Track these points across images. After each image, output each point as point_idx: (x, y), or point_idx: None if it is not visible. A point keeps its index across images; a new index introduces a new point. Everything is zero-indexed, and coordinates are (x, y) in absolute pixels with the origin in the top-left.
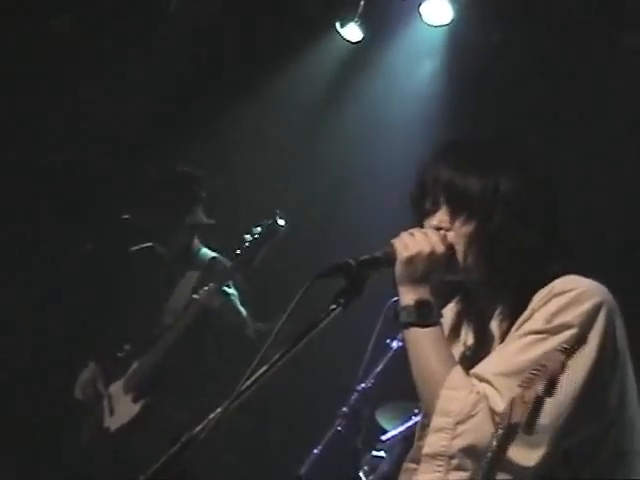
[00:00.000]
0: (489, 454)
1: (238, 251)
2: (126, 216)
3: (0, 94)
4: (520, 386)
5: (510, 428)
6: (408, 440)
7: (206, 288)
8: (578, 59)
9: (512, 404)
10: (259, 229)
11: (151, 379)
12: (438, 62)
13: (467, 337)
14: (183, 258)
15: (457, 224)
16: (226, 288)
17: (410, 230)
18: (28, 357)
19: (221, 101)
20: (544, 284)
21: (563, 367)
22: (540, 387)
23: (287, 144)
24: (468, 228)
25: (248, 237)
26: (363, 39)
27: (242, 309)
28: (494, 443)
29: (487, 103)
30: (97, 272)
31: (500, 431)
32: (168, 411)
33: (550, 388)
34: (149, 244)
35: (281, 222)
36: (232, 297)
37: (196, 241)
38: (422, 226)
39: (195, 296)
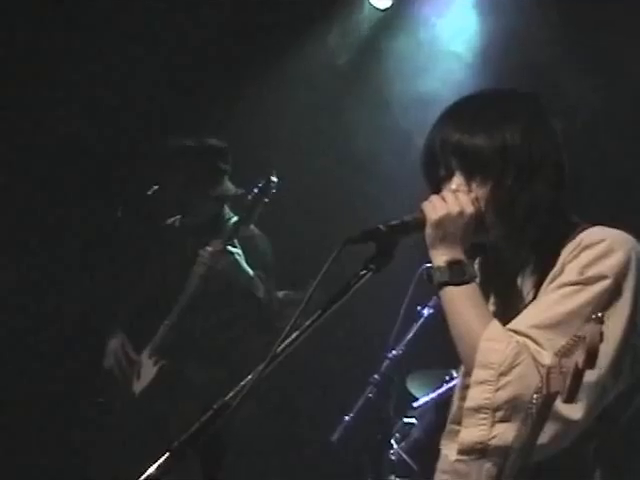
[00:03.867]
0: (529, 420)
1: (232, 214)
2: (152, 190)
3: (25, 60)
4: (556, 354)
5: (549, 397)
6: (439, 407)
7: (209, 248)
8: (614, 14)
9: (549, 373)
10: (256, 188)
11: (168, 343)
12: (470, 27)
13: (492, 298)
14: (213, 228)
15: (474, 186)
16: (231, 247)
17: (441, 193)
18: (54, 327)
19: (247, 69)
20: (570, 236)
21: (601, 337)
22: (580, 358)
23: (314, 111)
24: (485, 190)
25: (248, 196)
26: (392, 6)
27: (249, 269)
28: (533, 410)
29: (521, 65)
30: (126, 242)
31: (539, 400)
32: (187, 375)
33: (591, 360)
34: (178, 217)
35: (274, 179)
36: (237, 256)
37: (226, 210)
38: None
39: (199, 257)
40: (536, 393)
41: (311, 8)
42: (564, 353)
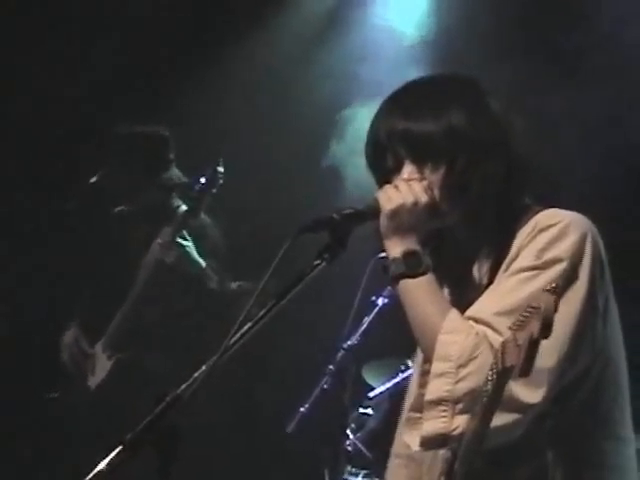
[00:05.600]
0: (484, 398)
1: (181, 202)
2: (94, 179)
3: None
4: (511, 328)
5: (504, 372)
6: (395, 397)
7: (159, 240)
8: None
9: (504, 347)
10: (202, 178)
11: (122, 336)
12: (422, 14)
13: (447, 285)
14: (160, 217)
15: (427, 173)
16: (180, 240)
17: (394, 182)
18: (9, 320)
19: (196, 57)
20: (524, 219)
21: (556, 307)
22: (535, 329)
23: (265, 97)
24: (437, 176)
25: (195, 187)
26: None
27: (200, 260)
28: (489, 387)
29: (473, 52)
30: (76, 233)
31: (494, 376)
32: (146, 368)
33: (546, 329)
34: (123, 206)
35: (220, 169)
36: (187, 248)
37: (174, 198)
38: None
39: (154, 246)
40: (491, 370)
41: None
42: (519, 326)
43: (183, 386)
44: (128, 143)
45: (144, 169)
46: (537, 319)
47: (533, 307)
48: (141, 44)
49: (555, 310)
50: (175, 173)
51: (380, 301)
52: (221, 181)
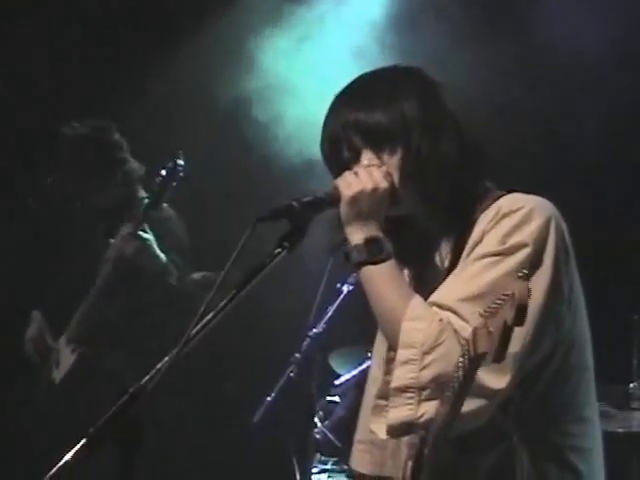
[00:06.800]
0: (455, 385)
1: (146, 194)
2: (50, 179)
3: None
4: (482, 315)
5: (476, 358)
6: (362, 384)
7: (121, 233)
8: None
9: (475, 334)
10: (163, 171)
11: (85, 329)
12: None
13: (408, 271)
14: (123, 209)
15: (385, 158)
16: (142, 233)
17: (354, 169)
18: None
19: (149, 52)
20: (484, 202)
21: (529, 293)
22: (509, 315)
23: (214, 97)
24: (395, 159)
25: (155, 180)
26: None
27: (161, 254)
28: (460, 373)
29: (429, 44)
30: (40, 227)
31: (465, 362)
32: (106, 362)
33: (520, 316)
34: (84, 204)
35: (180, 162)
36: (148, 242)
37: (139, 191)
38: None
39: (111, 240)
40: (462, 357)
41: None
42: (491, 313)
43: (146, 378)
44: (74, 148)
45: (96, 172)
46: (510, 306)
47: (505, 294)
48: (95, 38)
49: (528, 296)
50: (133, 166)
51: (345, 288)
52: (182, 174)
